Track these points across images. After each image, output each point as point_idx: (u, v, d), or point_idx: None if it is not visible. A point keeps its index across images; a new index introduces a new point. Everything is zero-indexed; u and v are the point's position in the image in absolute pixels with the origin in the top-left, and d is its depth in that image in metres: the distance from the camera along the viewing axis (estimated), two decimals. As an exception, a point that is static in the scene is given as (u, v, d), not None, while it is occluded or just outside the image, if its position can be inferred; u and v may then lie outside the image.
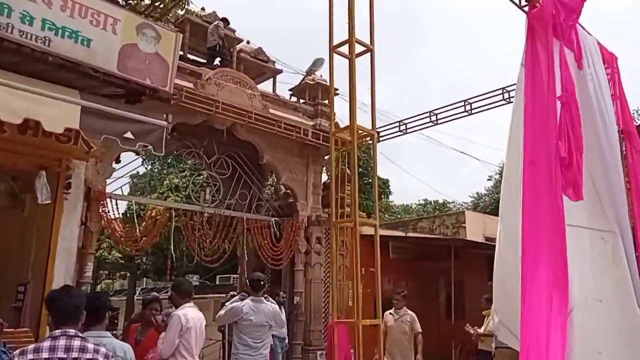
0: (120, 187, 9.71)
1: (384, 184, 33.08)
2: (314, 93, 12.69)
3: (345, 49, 4.22)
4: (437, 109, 10.69)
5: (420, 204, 35.12)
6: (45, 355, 2.43)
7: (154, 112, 4.86)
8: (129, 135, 4.37)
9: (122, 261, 21.20)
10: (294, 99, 12.89)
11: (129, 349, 3.36)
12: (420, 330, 8.17)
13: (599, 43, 6.32)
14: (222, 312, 6.15)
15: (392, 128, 11.54)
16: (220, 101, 10.20)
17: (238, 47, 12.23)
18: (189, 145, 10.93)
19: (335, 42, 4.20)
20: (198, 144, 11.05)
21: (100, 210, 8.94)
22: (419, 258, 14.09)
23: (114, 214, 9.14)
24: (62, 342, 2.49)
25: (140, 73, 4.92)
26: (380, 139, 11.96)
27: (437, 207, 33.59)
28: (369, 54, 4.34)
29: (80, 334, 2.61)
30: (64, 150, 5.87)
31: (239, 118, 10.51)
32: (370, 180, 32.85)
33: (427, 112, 10.80)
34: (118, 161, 9.54)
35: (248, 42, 12.83)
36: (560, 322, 4.14)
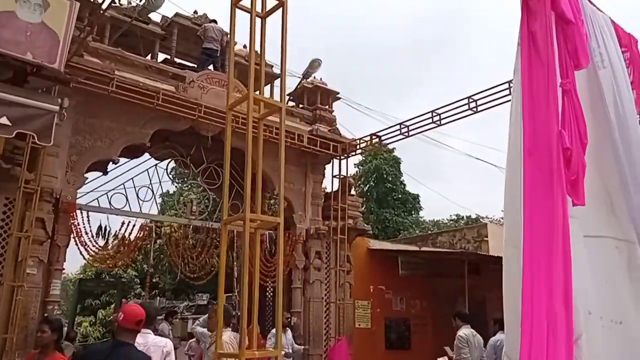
0: (97, 198, 9.05)
1: (414, 199, 31.85)
2: (313, 97, 11.89)
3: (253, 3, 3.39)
4: (438, 108, 9.66)
5: (451, 219, 33.57)
6: None
7: (49, 96, 4.16)
8: (3, 120, 3.64)
9: (138, 279, 20.77)
10: (292, 104, 12.12)
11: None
12: None
13: (613, 22, 5.31)
14: None
15: (394, 131, 10.53)
16: (203, 105, 9.53)
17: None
18: (174, 154, 10.26)
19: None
20: (185, 152, 10.37)
21: (70, 223, 8.33)
22: (433, 275, 12.91)
23: (84, 227, 8.50)
24: None
25: (18, 46, 4.21)
26: (382, 141, 10.97)
27: (470, 223, 31.96)
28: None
29: None
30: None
31: (224, 123, 9.79)
32: (400, 196, 31.87)
33: (429, 112, 9.78)
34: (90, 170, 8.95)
35: (244, 46, 12.19)
36: (564, 353, 3.22)
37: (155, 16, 10.68)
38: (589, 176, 4.18)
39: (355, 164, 31.64)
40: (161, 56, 10.91)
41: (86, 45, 8.56)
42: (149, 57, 10.48)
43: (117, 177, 9.60)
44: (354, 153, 11.51)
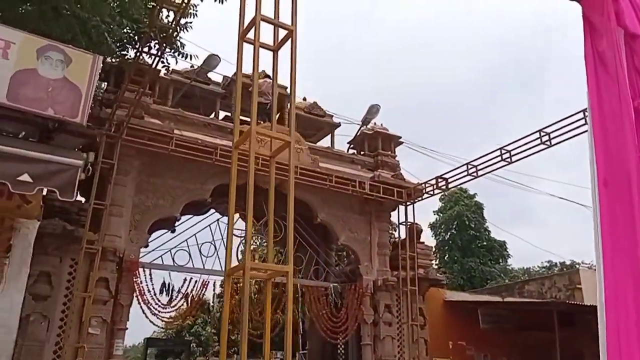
0: (161, 256, 9.14)
1: (500, 246, 30.03)
2: (374, 143, 11.57)
3: (265, 36, 3.21)
4: (508, 144, 8.95)
5: (543, 267, 31.12)
6: None
7: (72, 151, 4.16)
8: (25, 177, 3.63)
9: (216, 337, 20.80)
10: (353, 151, 11.88)
11: None
12: None
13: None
14: None
15: (460, 172, 9.89)
16: (261, 157, 9.50)
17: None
18: (236, 208, 10.22)
19: (248, 27, 3.20)
20: (243, 205, 10.31)
21: (133, 282, 8.42)
22: (520, 328, 11.69)
23: (147, 285, 8.55)
24: None
25: (39, 103, 4.27)
26: (449, 185, 10.32)
27: (564, 269, 29.44)
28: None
29: None
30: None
31: (284, 174, 9.68)
32: (485, 244, 30.17)
33: (497, 149, 9.10)
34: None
35: (304, 99, 12.27)
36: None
37: (217, 76, 11.05)
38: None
39: (434, 212, 30.64)
40: (222, 114, 11.18)
41: (147, 108, 8.93)
42: (212, 115, 10.78)
43: (180, 233, 9.67)
44: (420, 198, 10.92)
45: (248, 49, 3.29)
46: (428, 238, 29.52)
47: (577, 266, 29.53)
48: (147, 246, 9.38)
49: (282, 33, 3.31)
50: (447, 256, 29.25)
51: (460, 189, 30.99)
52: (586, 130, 7.78)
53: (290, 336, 2.89)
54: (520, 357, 11.97)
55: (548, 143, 8.45)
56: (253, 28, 3.11)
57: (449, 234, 29.50)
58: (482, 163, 9.49)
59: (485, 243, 29.43)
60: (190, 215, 10.43)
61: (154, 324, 8.58)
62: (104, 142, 8.11)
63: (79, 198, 8.62)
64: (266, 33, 3.44)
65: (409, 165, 32.00)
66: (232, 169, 3.15)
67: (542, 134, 8.48)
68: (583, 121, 7.92)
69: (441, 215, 29.96)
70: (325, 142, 12.47)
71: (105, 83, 9.17)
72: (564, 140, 8.34)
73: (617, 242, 3.19)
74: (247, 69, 3.56)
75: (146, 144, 8.49)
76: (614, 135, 3.55)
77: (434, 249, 30.07)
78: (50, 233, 7.67)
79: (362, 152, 11.72)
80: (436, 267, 29.72)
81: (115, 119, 8.04)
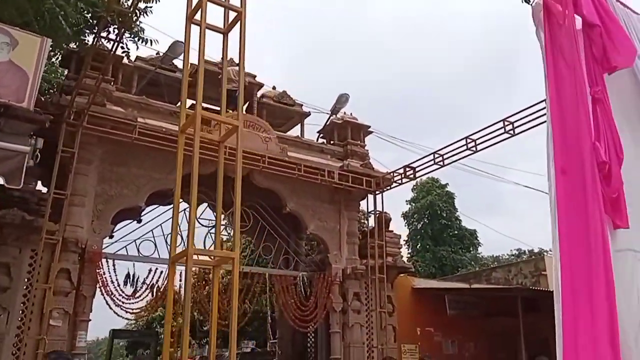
0: (125, 246, 8.98)
1: (471, 234, 30.50)
2: (344, 133, 11.56)
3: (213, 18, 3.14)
4: (473, 134, 9.04)
5: (512, 255, 31.73)
6: None
7: (20, 137, 4.03)
8: (-38, 165, 3.49)
9: (224, 328, 20.65)
10: (323, 141, 11.85)
11: None
12: None
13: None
14: None
15: (428, 162, 9.96)
16: (227, 146, 9.37)
17: (260, 92, 11.54)
18: (204, 198, 10.11)
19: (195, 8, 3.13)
20: (213, 195, 10.21)
21: (96, 273, 8.26)
22: (487, 314, 11.90)
23: (110, 276, 8.40)
24: None
25: None
26: (417, 174, 10.39)
27: (533, 257, 30.09)
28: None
29: None
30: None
31: (252, 164, 9.61)
32: (456, 232, 30.55)
33: (463, 139, 9.18)
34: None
35: (274, 88, 12.17)
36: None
37: (182, 64, 10.84)
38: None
39: (407, 201, 30.95)
40: (189, 102, 10.98)
41: (109, 95, 8.73)
42: (178, 104, 10.60)
43: (146, 224, 9.52)
44: (388, 187, 10.97)
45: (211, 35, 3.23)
46: (401, 228, 29.76)
47: (545, 254, 30.22)
48: (111, 237, 9.22)
49: (232, 15, 3.25)
50: (419, 245, 29.61)
51: (432, 179, 31.31)
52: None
53: (235, 328, 2.86)
54: (487, 343, 12.21)
55: (512, 132, 8.56)
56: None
57: (421, 223, 29.85)
58: (449, 152, 9.58)
59: (456, 232, 29.93)
60: (156, 206, 10.29)
61: (119, 316, 8.43)
62: (64, 130, 7.91)
63: (40, 187, 8.40)
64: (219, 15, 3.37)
65: (381, 157, 32.03)
66: (179, 154, 3.08)
67: (506, 123, 8.59)
68: (545, 110, 8.04)
69: (413, 205, 30.28)
70: (295, 132, 12.42)
71: (67, 70, 8.92)
72: (527, 130, 8.45)
73: (572, 228, 3.24)
74: (211, 53, 3.49)
75: (108, 132, 8.31)
76: (570, 124, 3.60)
77: (406, 239, 30.45)
78: (9, 223, 7.47)
79: (331, 142, 11.71)
80: (408, 255, 30.07)
81: (76, 106, 7.84)
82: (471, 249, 30.53)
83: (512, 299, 11.48)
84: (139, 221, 10.15)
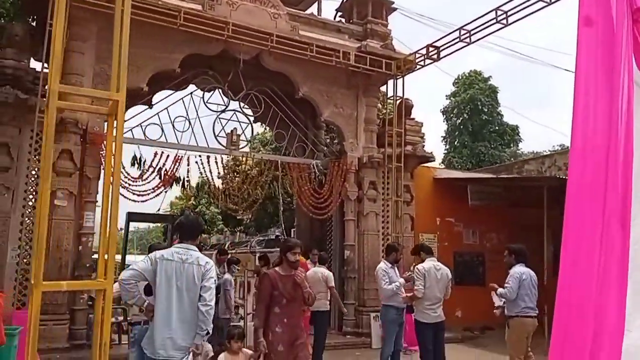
0: (131, 129, 8.76)
1: (513, 130, 29.28)
2: (364, 10, 10.53)
3: None
4: (504, 4, 7.92)
5: (554, 150, 30.44)
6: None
7: None
8: None
9: (220, 217, 21.28)
10: (341, 20, 10.88)
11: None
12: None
13: None
14: None
15: (453, 39, 8.96)
16: (231, 23, 8.67)
17: (272, -35, 10.48)
18: (209, 80, 9.62)
19: None
20: (222, 79, 9.69)
21: (99, 155, 8.12)
22: (512, 205, 11.37)
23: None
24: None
25: None
26: (440, 54, 9.44)
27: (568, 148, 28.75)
28: None
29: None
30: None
31: (259, 43, 8.92)
32: (497, 128, 29.28)
33: (492, 10, 8.09)
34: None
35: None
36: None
37: None
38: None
39: (446, 96, 29.68)
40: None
41: (100, -35, 8.02)
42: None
43: (150, 107, 9.20)
44: (411, 70, 10.10)
45: None
46: (439, 124, 28.67)
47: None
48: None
49: None
50: (457, 141, 28.76)
51: (474, 71, 29.54)
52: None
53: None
54: (509, 234, 11.78)
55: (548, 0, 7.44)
56: None
57: (460, 118, 28.81)
58: (476, 28, 8.54)
59: (497, 127, 28.84)
60: (170, 91, 9.92)
61: (126, 198, 8.37)
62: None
63: (34, 65, 8.11)
64: None
65: (409, 40, 29.88)
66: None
67: (543, -10, 7.44)
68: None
69: (453, 99, 29.02)
70: (312, 11, 11.47)
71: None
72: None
73: (589, 82, 2.57)
74: None
75: (99, 4, 7.71)
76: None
77: (444, 135, 29.51)
78: (2, 102, 7.29)
79: (350, 21, 10.73)
80: (445, 152, 29.32)
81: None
82: (511, 145, 29.49)
83: (539, 189, 10.86)
84: (150, 107, 9.85)
